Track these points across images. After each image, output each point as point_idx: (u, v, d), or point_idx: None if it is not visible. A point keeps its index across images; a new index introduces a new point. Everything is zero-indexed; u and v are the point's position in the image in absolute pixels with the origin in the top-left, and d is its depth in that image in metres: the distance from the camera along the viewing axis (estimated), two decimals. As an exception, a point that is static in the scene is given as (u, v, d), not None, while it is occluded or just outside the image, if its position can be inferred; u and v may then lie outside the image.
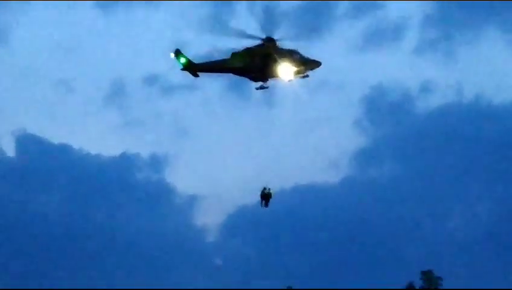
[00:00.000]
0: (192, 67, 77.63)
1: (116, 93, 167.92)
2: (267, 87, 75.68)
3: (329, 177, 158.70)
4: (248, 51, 74.26)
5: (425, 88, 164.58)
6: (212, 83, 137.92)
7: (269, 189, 72.75)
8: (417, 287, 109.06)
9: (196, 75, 78.59)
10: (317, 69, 74.95)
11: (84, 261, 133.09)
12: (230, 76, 77.49)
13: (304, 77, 74.92)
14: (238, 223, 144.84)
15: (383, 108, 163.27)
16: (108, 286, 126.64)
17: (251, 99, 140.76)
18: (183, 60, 77.57)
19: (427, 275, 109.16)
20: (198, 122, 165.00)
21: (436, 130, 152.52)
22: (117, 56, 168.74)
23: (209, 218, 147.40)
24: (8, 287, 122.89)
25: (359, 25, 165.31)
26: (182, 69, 78.09)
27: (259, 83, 76.22)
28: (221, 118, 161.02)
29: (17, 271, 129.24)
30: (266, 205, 72.01)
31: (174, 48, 78.09)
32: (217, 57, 76.88)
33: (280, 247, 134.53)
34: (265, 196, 72.72)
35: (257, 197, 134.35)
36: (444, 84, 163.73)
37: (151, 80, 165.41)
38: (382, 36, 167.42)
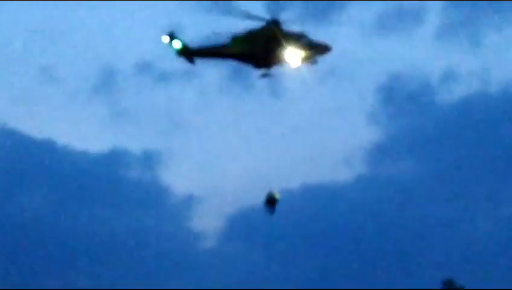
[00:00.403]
0: (188, 53, 77.59)
1: (104, 82, 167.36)
2: (271, 75, 75.46)
3: (341, 175, 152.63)
4: (250, 34, 74.52)
5: (448, 77, 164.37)
6: (211, 71, 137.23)
7: (275, 193, 71.89)
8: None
9: (192, 62, 78.35)
10: (328, 56, 74.87)
11: (67, 267, 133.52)
12: (231, 62, 77.31)
13: (312, 63, 74.72)
14: (239, 226, 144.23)
15: (401, 99, 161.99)
16: None
17: (254, 90, 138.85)
18: (177, 44, 77.37)
19: (448, 284, 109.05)
20: (196, 115, 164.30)
21: (459, 123, 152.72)
22: (105, 40, 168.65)
23: (208, 221, 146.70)
24: None
25: (375, 6, 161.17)
26: (177, 55, 77.68)
27: (263, 70, 75.91)
28: (221, 110, 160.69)
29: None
30: (272, 212, 71.19)
31: (167, 31, 77.68)
32: (216, 41, 76.56)
33: (285, 253, 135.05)
34: (271, 201, 71.97)
35: (260, 198, 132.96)
36: (468, 72, 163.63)
37: (143, 67, 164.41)
38: (400, 19, 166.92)
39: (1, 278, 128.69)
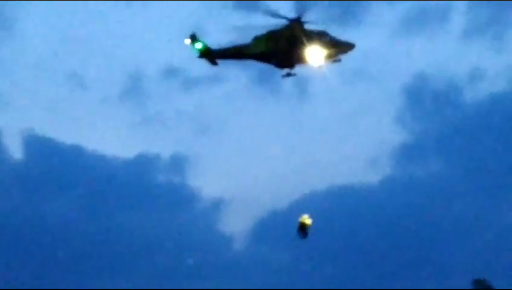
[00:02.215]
0: (209, 54, 76.51)
1: (132, 88, 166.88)
2: (294, 75, 74.51)
3: (368, 177, 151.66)
4: (272, 33, 73.34)
5: (474, 76, 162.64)
6: (238, 75, 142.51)
7: (306, 218, 72.61)
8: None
9: (215, 63, 77.51)
10: (352, 57, 74.65)
11: (98, 271, 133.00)
12: (256, 65, 76.27)
13: (335, 61, 72.97)
14: (267, 229, 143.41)
15: (427, 99, 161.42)
16: None
17: (280, 92, 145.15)
18: (199, 45, 76.29)
19: (479, 284, 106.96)
20: (223, 118, 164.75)
21: (486, 123, 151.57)
22: (133, 47, 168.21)
23: (236, 224, 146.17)
24: None
25: (400, 7, 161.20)
26: (199, 57, 76.63)
27: (286, 70, 74.65)
28: (248, 113, 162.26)
29: (28, 278, 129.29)
30: (305, 236, 72.01)
31: (189, 33, 76.75)
32: (238, 42, 75.40)
33: (313, 255, 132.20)
34: (303, 228, 72.57)
35: (288, 200, 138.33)
36: (495, 71, 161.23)
37: (170, 72, 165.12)
38: (425, 19, 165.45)
39: (33, 279, 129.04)
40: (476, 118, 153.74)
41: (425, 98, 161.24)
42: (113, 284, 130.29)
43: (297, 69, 74.46)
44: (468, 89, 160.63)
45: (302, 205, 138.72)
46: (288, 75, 74.16)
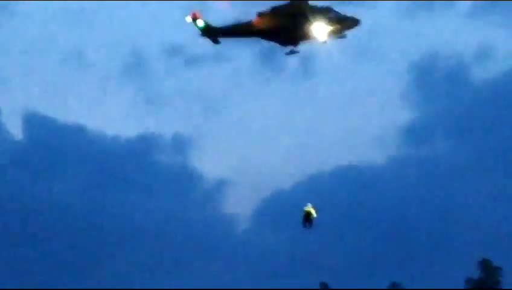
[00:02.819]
0: (211, 32, 75.46)
1: (135, 66, 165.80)
2: (298, 52, 73.34)
3: (374, 157, 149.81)
4: (275, 10, 71.85)
5: (483, 54, 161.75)
6: (242, 54, 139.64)
7: (311, 208, 71.94)
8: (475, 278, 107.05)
9: (217, 42, 76.53)
10: (359, 35, 73.21)
11: (100, 251, 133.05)
12: (260, 44, 75.44)
13: (340, 37, 71.83)
14: (272, 210, 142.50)
15: (435, 78, 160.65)
16: (126, 277, 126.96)
17: (285, 71, 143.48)
18: (201, 23, 75.20)
19: (485, 265, 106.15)
20: (227, 98, 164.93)
21: (495, 101, 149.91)
22: (135, 25, 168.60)
23: (240, 205, 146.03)
24: (21, 277, 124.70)
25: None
26: (201, 35, 75.44)
27: (290, 48, 73.59)
28: (252, 92, 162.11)
29: (29, 259, 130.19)
30: (310, 226, 71.98)
31: (191, 11, 75.37)
32: (240, 19, 74.20)
33: (319, 236, 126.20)
34: (308, 216, 72.15)
35: (292, 181, 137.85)
36: (504, 49, 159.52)
37: (173, 51, 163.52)
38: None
39: (34, 260, 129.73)
40: (484, 97, 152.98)
41: (432, 77, 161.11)
42: (114, 265, 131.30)
43: (302, 47, 73.54)
44: (476, 68, 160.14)
45: (307, 185, 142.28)
46: (292, 52, 73.23)
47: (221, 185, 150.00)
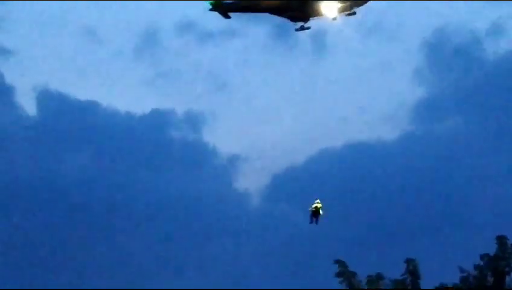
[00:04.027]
0: (222, 7, 74.77)
1: (147, 43, 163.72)
2: (308, 28, 73.10)
3: (386, 133, 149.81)
4: None
5: (495, 30, 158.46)
6: (254, 29, 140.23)
7: (318, 204, 72.14)
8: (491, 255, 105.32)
9: (227, 16, 76.40)
10: (370, 10, 73.03)
11: (112, 227, 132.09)
12: (271, 18, 74.82)
13: (350, 14, 71.29)
14: (284, 186, 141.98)
15: (446, 54, 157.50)
16: (139, 253, 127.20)
17: (297, 48, 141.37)
18: None
19: (500, 241, 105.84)
20: (239, 74, 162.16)
21: (507, 78, 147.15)
22: (148, 1, 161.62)
23: (252, 181, 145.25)
24: (31, 253, 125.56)
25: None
26: (211, 9, 75.39)
27: (300, 24, 73.16)
28: (264, 68, 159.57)
29: (42, 235, 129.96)
30: (316, 222, 72.06)
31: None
32: None
33: (330, 212, 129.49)
34: (315, 212, 72.37)
35: (304, 157, 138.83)
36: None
37: (185, 27, 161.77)
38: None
39: (47, 237, 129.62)
40: (496, 74, 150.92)
41: (444, 53, 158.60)
42: (127, 241, 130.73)
43: (313, 23, 73.09)
44: (488, 44, 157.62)
45: (318, 161, 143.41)
46: (302, 28, 72.80)
47: (233, 160, 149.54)
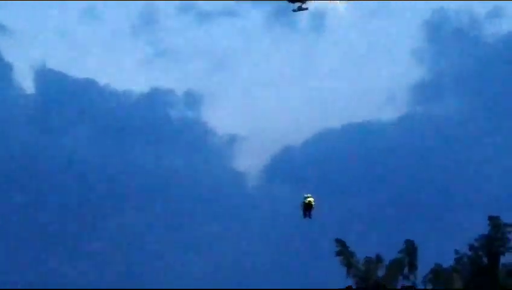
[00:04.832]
0: None
1: (146, 21, 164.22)
2: (306, 9, 71.91)
3: (385, 114, 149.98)
4: None
5: (495, 11, 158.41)
6: (254, 9, 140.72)
7: (309, 198, 69.90)
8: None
9: None
10: None
11: (109, 205, 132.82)
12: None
13: None
14: (283, 166, 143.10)
15: (446, 35, 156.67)
16: (134, 231, 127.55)
17: (296, 28, 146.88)
18: None
19: (493, 222, 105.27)
20: (238, 54, 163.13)
21: (507, 58, 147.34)
22: None
23: (251, 160, 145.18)
24: (27, 231, 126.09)
25: None
26: None
27: (297, 4, 72.58)
28: (264, 48, 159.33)
29: (38, 213, 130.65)
30: (309, 216, 69.93)
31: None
32: None
33: (330, 193, 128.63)
34: (308, 206, 69.99)
35: (302, 137, 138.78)
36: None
37: (185, 6, 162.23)
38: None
39: (44, 213, 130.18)
40: (496, 54, 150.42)
41: (444, 34, 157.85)
42: (124, 221, 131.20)
43: (311, 4, 72.30)
44: (489, 25, 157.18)
45: (316, 142, 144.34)
46: (300, 9, 71.89)
47: (232, 140, 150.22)
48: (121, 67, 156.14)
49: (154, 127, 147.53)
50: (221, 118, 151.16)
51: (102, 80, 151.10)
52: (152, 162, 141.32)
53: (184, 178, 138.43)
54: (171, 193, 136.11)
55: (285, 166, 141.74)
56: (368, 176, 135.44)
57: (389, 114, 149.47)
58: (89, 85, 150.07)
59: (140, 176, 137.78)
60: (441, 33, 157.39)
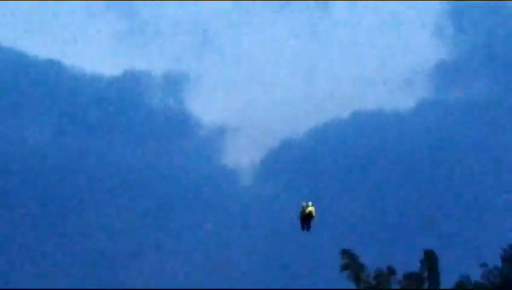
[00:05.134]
0: None
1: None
2: None
3: (401, 100, 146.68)
4: None
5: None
6: None
7: (309, 206, 65.72)
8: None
9: None
10: None
11: (76, 206, 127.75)
12: None
13: None
14: (280, 161, 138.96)
15: (471, 11, 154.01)
16: (110, 230, 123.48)
17: (297, 2, 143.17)
18: None
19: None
20: (229, 30, 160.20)
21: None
22: None
23: (243, 155, 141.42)
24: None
25: None
26: None
27: None
28: (258, 24, 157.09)
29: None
30: (308, 228, 66.29)
31: None
32: None
33: (335, 191, 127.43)
34: (307, 216, 66.02)
35: (304, 129, 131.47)
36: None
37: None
38: None
39: (11, 211, 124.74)
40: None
41: (468, 9, 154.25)
42: (97, 217, 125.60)
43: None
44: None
45: (321, 134, 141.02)
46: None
47: (221, 132, 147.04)
48: (88, 46, 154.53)
49: (129, 117, 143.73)
50: (208, 105, 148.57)
51: (67, 60, 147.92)
52: (127, 156, 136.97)
53: (165, 177, 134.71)
54: (150, 193, 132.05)
55: (284, 162, 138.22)
56: (377, 171, 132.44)
57: (405, 100, 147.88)
58: (51, 66, 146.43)
59: (113, 172, 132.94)
60: (464, 8, 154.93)
